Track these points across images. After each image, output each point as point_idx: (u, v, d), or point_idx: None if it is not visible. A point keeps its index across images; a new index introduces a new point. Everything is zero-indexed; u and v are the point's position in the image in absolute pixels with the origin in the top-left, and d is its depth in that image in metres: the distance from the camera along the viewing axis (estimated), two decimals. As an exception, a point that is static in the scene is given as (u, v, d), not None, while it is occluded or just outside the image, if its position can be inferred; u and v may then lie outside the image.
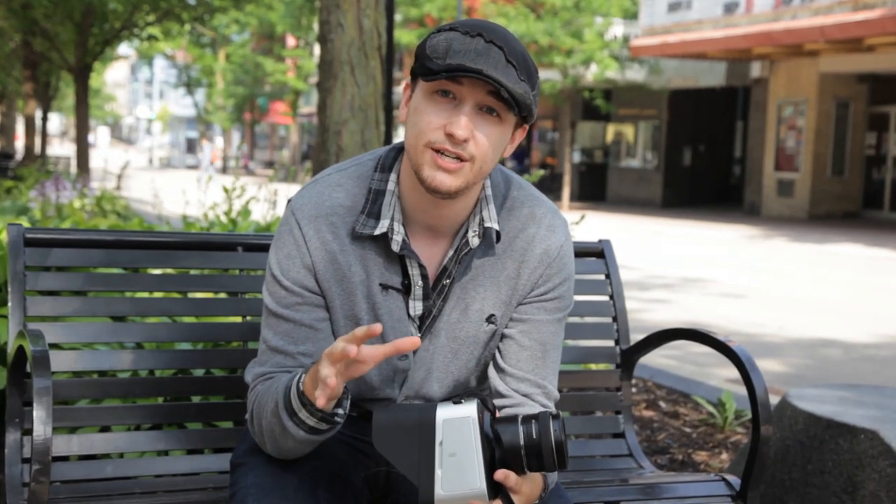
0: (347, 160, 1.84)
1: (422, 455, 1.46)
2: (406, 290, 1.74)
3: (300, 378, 1.58)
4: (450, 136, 1.60)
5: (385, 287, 1.73)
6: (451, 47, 1.58)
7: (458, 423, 1.46)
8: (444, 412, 1.47)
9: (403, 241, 1.71)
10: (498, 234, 1.74)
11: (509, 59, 1.59)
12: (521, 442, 1.49)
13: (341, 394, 1.57)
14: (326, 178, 1.78)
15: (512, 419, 1.52)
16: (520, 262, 1.77)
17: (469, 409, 1.47)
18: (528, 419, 1.50)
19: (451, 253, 1.74)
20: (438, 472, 1.46)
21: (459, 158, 1.61)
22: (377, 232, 1.70)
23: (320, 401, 1.50)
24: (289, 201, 1.79)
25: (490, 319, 1.78)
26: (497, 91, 1.58)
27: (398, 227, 1.71)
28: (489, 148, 1.63)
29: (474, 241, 1.73)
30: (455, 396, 1.87)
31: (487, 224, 1.73)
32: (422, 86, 1.64)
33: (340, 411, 1.60)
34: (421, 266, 1.72)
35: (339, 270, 1.72)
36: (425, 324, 1.77)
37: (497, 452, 1.50)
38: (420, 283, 1.73)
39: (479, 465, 1.45)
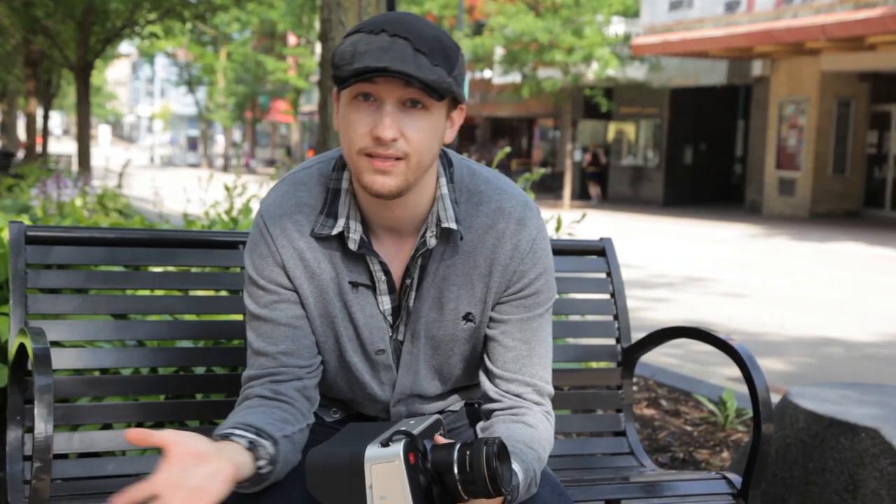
0: (314, 157, 1.83)
1: (353, 497, 1.44)
2: (374, 287, 1.73)
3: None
4: (377, 139, 1.57)
5: (355, 284, 1.72)
6: (357, 49, 1.56)
7: (385, 466, 1.43)
8: (372, 454, 1.44)
9: (361, 238, 1.69)
10: (461, 232, 1.71)
11: (417, 48, 1.55)
12: (455, 469, 1.47)
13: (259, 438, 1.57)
14: (291, 177, 1.78)
15: (449, 446, 1.50)
16: (491, 260, 1.73)
17: (396, 449, 1.43)
18: (463, 447, 1.48)
19: (413, 253, 1.72)
20: None
21: (393, 159, 1.59)
22: (334, 232, 1.69)
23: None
24: (261, 201, 1.79)
25: (467, 318, 1.76)
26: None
27: (354, 226, 1.70)
28: (422, 141, 1.60)
29: (431, 242, 1.70)
30: (450, 393, 1.87)
31: (444, 224, 1.69)
32: (343, 94, 1.63)
33: (262, 465, 1.56)
34: (381, 263, 1.71)
35: (309, 268, 1.72)
36: (398, 319, 1.76)
37: (435, 489, 1.48)
38: (383, 278, 1.72)
39: None
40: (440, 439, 1.55)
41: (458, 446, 1.49)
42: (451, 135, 1.69)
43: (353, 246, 1.69)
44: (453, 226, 1.69)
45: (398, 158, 1.59)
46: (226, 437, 1.56)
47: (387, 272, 1.72)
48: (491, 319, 1.77)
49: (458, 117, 1.70)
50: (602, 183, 28.33)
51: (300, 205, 1.73)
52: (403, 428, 1.49)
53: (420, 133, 1.60)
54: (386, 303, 1.74)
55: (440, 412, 1.87)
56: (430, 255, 1.72)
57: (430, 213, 1.71)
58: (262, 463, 1.56)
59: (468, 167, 1.78)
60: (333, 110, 1.70)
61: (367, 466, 1.44)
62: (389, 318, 1.75)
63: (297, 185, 1.75)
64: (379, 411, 1.84)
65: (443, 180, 1.72)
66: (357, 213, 1.71)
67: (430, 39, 1.57)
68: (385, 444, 1.45)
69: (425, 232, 1.70)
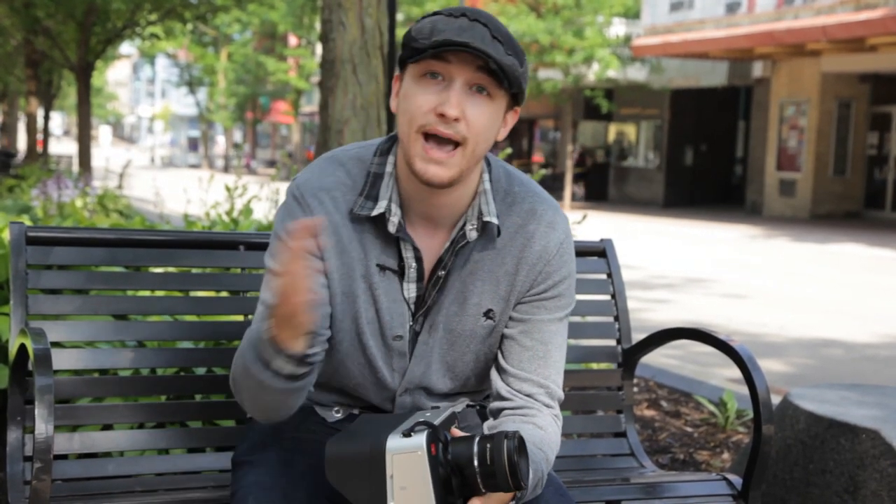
0: (351, 144, 1.85)
1: (373, 488, 1.44)
2: (401, 273, 1.74)
3: (267, 327, 1.55)
4: (441, 116, 1.60)
5: (382, 268, 1.73)
6: (436, 27, 1.60)
7: (407, 456, 1.44)
8: (394, 444, 1.45)
9: (400, 222, 1.71)
10: (498, 228, 1.74)
11: (495, 36, 1.60)
12: (475, 462, 1.48)
13: (311, 335, 1.56)
14: (329, 158, 1.80)
15: (469, 439, 1.50)
16: (518, 259, 1.77)
17: (419, 440, 1.44)
18: (483, 439, 1.49)
19: (447, 245, 1.74)
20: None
21: (452, 141, 1.62)
22: (375, 212, 1.70)
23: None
24: (292, 180, 1.80)
25: (488, 315, 1.77)
26: (486, 66, 1.59)
27: (395, 209, 1.71)
28: (482, 127, 1.63)
29: (472, 235, 1.73)
30: (458, 394, 1.87)
31: (486, 218, 1.72)
32: (410, 70, 1.65)
33: (314, 351, 1.59)
34: (415, 249, 1.72)
35: (340, 243, 1.73)
36: (420, 309, 1.77)
37: (454, 481, 1.49)
38: (413, 265, 1.73)
39: (430, 499, 1.44)
40: (456, 432, 1.56)
41: (477, 439, 1.50)
42: (503, 133, 1.72)
43: (392, 229, 1.70)
44: (495, 220, 1.72)
45: (456, 144, 1.62)
46: None
47: (419, 259, 1.73)
48: (511, 318, 1.79)
49: (512, 119, 1.73)
50: (588, 183, 28.22)
51: (338, 183, 1.74)
52: (423, 419, 1.50)
53: (481, 118, 1.63)
54: (412, 290, 1.75)
55: None
56: (469, 247, 1.74)
57: (469, 206, 1.74)
58: (317, 349, 1.61)
59: (504, 168, 1.82)
60: (392, 92, 1.73)
61: (389, 456, 1.44)
62: (412, 307, 1.76)
63: (336, 164, 1.77)
64: (384, 400, 1.83)
65: (486, 176, 1.76)
66: (398, 198, 1.73)
67: (505, 33, 1.63)
68: (407, 435, 1.45)
69: (464, 225, 1.73)
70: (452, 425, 1.58)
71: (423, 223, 1.75)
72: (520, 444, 1.49)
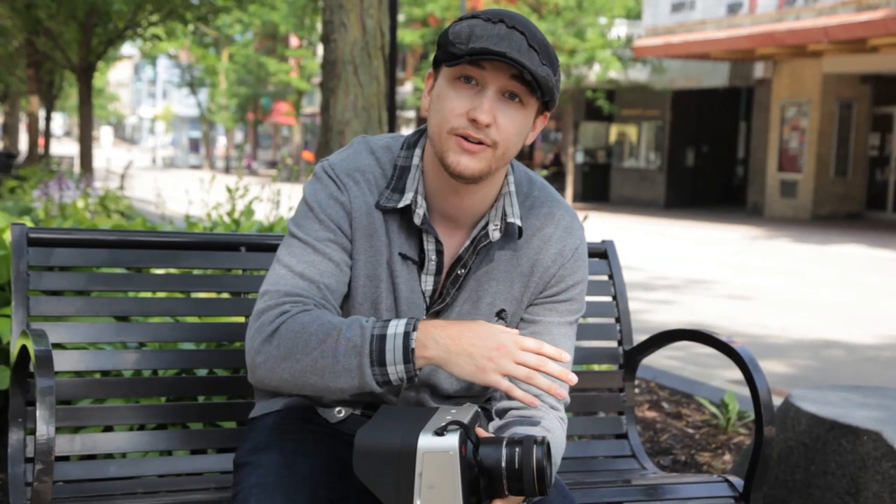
0: (384, 134, 1.87)
1: (401, 484, 1.43)
2: (420, 265, 1.76)
3: (407, 330, 1.56)
4: (473, 121, 1.62)
5: (404, 257, 1.75)
6: (474, 32, 1.61)
7: (439, 456, 1.43)
8: (426, 443, 1.44)
9: (425, 214, 1.72)
10: (520, 229, 1.76)
11: (531, 44, 1.61)
12: (503, 465, 1.48)
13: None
14: (361, 142, 1.81)
15: (497, 441, 1.50)
16: (534, 261, 1.79)
17: (451, 441, 1.44)
18: (512, 442, 1.49)
19: (467, 243, 1.75)
20: (417, 502, 1.44)
21: (482, 144, 1.63)
22: (401, 204, 1.72)
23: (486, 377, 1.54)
24: (322, 162, 1.80)
25: (500, 315, 1.79)
26: (520, 75, 1.60)
27: (421, 201, 1.73)
28: (512, 133, 1.65)
29: (495, 235, 1.74)
30: (463, 397, 1.86)
31: (510, 219, 1.75)
32: (445, 72, 1.67)
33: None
34: (437, 241, 1.74)
35: (372, 226, 1.74)
36: (435, 304, 1.78)
37: (481, 482, 1.48)
38: (434, 258, 1.75)
39: (458, 499, 1.43)
40: (482, 432, 1.56)
41: (505, 442, 1.50)
42: (532, 137, 1.74)
43: (417, 220, 1.72)
44: (518, 222, 1.75)
45: (486, 145, 1.64)
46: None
47: (439, 252, 1.75)
48: (521, 320, 1.81)
49: (541, 124, 1.75)
50: (561, 183, 28.05)
51: (371, 167, 1.76)
52: (450, 417, 1.49)
53: (512, 125, 1.65)
54: (428, 283, 1.77)
55: None
56: (490, 247, 1.76)
57: (492, 207, 1.76)
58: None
59: (525, 172, 1.85)
60: (424, 89, 1.75)
61: (420, 455, 1.44)
62: (427, 300, 1.77)
63: (367, 153, 1.78)
64: (388, 392, 1.82)
65: (511, 178, 1.78)
66: (423, 191, 1.74)
67: (542, 41, 1.64)
68: (440, 434, 1.44)
69: (486, 224, 1.75)
70: (478, 423, 1.58)
71: (443, 221, 1.77)
72: (548, 451, 1.49)
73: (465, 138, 1.63)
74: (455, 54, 1.61)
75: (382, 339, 1.57)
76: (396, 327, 1.57)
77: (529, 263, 1.79)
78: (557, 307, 1.81)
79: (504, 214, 1.75)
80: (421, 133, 1.80)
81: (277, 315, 1.64)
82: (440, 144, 1.66)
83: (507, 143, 1.65)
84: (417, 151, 1.77)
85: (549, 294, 1.80)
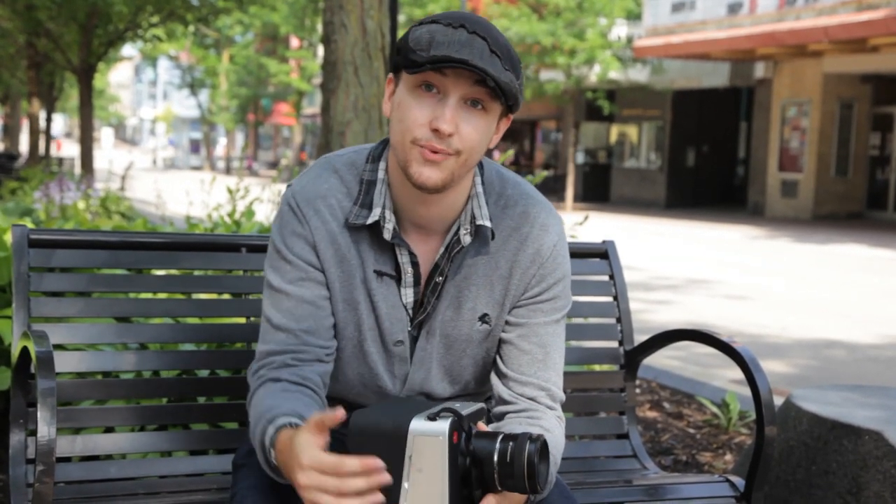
0: (344, 149, 1.85)
1: (391, 466, 1.43)
2: (398, 278, 1.74)
3: (273, 439, 1.54)
4: (435, 131, 1.59)
5: (380, 274, 1.74)
6: (435, 39, 1.57)
7: (429, 440, 1.44)
8: (418, 426, 1.45)
9: (394, 229, 1.71)
10: (492, 232, 1.74)
11: (493, 50, 1.58)
12: (495, 458, 1.48)
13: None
14: (323, 164, 1.79)
15: (493, 435, 1.50)
16: (512, 262, 1.76)
17: (442, 426, 1.44)
18: (507, 438, 1.49)
19: (441, 250, 1.74)
20: (405, 484, 1.45)
21: (444, 153, 1.61)
22: (370, 221, 1.70)
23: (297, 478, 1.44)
24: (288, 186, 1.80)
25: (483, 319, 1.77)
26: (483, 81, 1.57)
27: (389, 216, 1.71)
28: (475, 140, 1.63)
29: (466, 239, 1.72)
30: (459, 397, 1.86)
31: (479, 222, 1.72)
32: (405, 79, 1.63)
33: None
34: (411, 253, 1.72)
35: (339, 251, 1.73)
36: (418, 314, 1.77)
37: (473, 473, 1.49)
38: (410, 270, 1.73)
39: (444, 485, 1.44)
40: (482, 426, 1.56)
41: (500, 437, 1.50)
42: (495, 140, 1.71)
43: (387, 236, 1.70)
44: (488, 223, 1.72)
45: (448, 154, 1.61)
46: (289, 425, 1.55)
47: (415, 264, 1.73)
48: (507, 323, 1.79)
49: (504, 126, 1.72)
50: (560, 184, 27.97)
51: (333, 190, 1.74)
52: (450, 406, 1.50)
53: (475, 132, 1.62)
54: (409, 295, 1.76)
55: None
56: (464, 252, 1.74)
57: (462, 212, 1.74)
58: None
59: (497, 170, 1.81)
60: (385, 94, 1.72)
61: (411, 437, 1.44)
62: (410, 312, 1.77)
63: (331, 171, 1.76)
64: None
65: (478, 179, 1.76)
66: (391, 205, 1.72)
67: (504, 45, 1.61)
68: (432, 419, 1.45)
69: (458, 229, 1.73)
70: (481, 419, 1.58)
71: (414, 230, 1.74)
72: (542, 449, 1.49)
73: (428, 149, 1.61)
74: (416, 62, 1.58)
75: (262, 445, 1.58)
76: (265, 436, 1.57)
77: (508, 265, 1.76)
78: (542, 307, 1.78)
79: (473, 217, 1.72)
80: (385, 144, 1.77)
81: (256, 379, 1.72)
82: (403, 154, 1.63)
83: (470, 151, 1.63)
84: (382, 164, 1.74)
85: (532, 295, 1.77)
